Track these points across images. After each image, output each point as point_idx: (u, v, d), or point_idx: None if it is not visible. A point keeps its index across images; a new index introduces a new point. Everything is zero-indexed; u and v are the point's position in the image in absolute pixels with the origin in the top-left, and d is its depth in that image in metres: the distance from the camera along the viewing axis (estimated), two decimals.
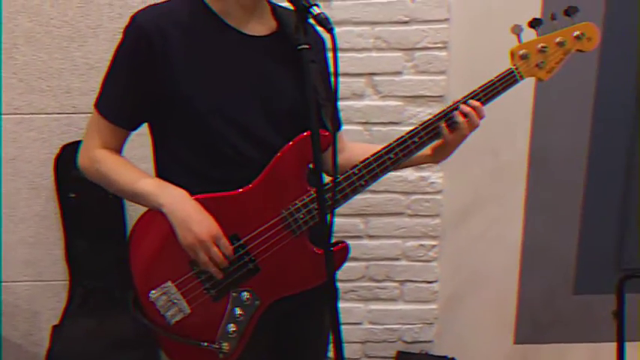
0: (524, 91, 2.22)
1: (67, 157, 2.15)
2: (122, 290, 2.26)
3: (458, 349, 2.41)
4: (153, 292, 1.27)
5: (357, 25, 2.13)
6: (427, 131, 1.34)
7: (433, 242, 2.35)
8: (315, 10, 1.04)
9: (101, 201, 2.17)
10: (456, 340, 2.44)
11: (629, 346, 2.21)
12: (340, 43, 2.12)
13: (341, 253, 1.37)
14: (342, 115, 2.19)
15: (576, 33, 1.40)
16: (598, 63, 2.21)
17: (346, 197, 1.33)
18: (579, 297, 2.42)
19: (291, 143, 1.29)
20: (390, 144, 1.33)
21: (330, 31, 1.03)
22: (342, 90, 2.16)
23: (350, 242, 2.26)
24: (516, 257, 2.40)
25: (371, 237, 2.34)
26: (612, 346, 2.21)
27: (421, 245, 2.35)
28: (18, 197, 2.23)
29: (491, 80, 1.37)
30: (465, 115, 1.34)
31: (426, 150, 1.40)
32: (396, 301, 2.41)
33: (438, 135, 1.35)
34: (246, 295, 1.31)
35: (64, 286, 2.29)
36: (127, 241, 1.28)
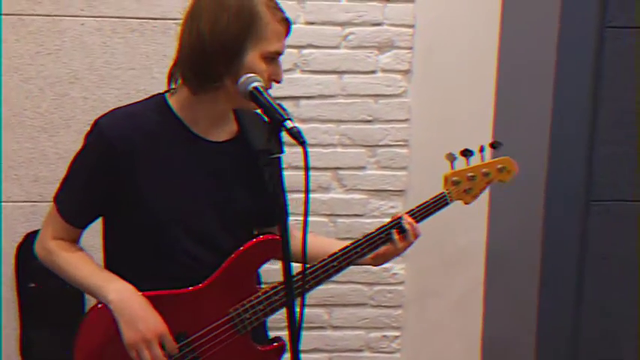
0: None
1: (29, 245, 2.12)
2: None
3: None
4: None
5: (324, 123, 2.24)
6: (368, 244, 1.46)
7: (396, 333, 2.37)
8: (289, 124, 1.10)
9: (61, 292, 2.13)
10: None
11: None
12: (307, 139, 2.20)
13: (277, 351, 1.43)
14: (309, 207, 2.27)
15: (499, 166, 1.60)
16: (547, 165, 2.34)
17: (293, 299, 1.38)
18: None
19: (244, 247, 1.36)
20: (335, 253, 1.42)
21: (302, 144, 1.08)
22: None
23: (313, 333, 2.33)
24: (477, 346, 2.44)
25: (334, 327, 2.36)
26: None
27: (384, 336, 2.37)
28: None
29: (426, 202, 1.52)
30: (401, 230, 1.46)
31: (368, 257, 1.50)
32: None
33: (377, 247, 1.47)
34: None
35: None
36: (75, 336, 1.30)
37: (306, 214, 1.10)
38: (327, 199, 2.28)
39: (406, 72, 2.24)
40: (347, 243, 1.45)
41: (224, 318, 1.33)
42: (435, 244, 2.33)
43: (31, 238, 2.13)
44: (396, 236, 1.45)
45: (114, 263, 1.37)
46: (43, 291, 2.13)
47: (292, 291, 1.26)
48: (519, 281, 2.41)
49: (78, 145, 1.34)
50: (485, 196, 2.33)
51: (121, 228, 1.35)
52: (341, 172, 2.28)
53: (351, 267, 2.15)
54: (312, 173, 2.24)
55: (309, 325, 2.32)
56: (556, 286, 2.41)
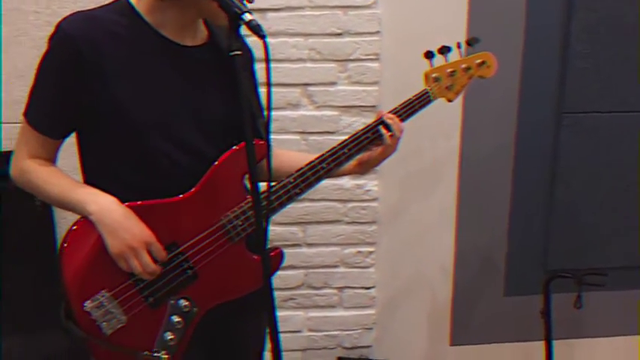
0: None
1: None
2: (52, 306, 2.19)
3: (396, 352, 2.46)
4: (87, 302, 1.24)
5: (292, 37, 2.17)
6: (356, 143, 1.43)
7: (370, 249, 2.40)
8: (247, 17, 1.05)
9: (31, 212, 2.10)
10: (394, 344, 2.49)
11: (557, 344, 2.32)
12: (275, 54, 2.15)
13: (275, 259, 1.40)
14: (279, 124, 2.23)
15: (479, 60, 1.59)
16: (521, 66, 2.32)
17: (282, 205, 1.37)
18: (509, 298, 2.52)
19: (227, 153, 1.32)
20: (323, 154, 1.40)
21: (262, 37, 1.04)
22: (278, 100, 2.18)
23: (288, 250, 2.34)
24: (450, 259, 2.48)
25: (309, 245, 2.37)
26: (542, 345, 2.32)
27: (359, 252, 2.40)
28: None
29: (410, 99, 1.50)
30: (387, 127, 1.43)
31: (352, 163, 1.48)
32: (335, 307, 2.44)
33: (365, 147, 1.44)
34: (183, 302, 1.30)
35: None
36: (58, 252, 1.25)
37: (269, 109, 1.10)
38: (298, 117, 2.24)
39: None
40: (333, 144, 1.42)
41: (215, 226, 1.30)
42: (407, 159, 2.32)
43: None
44: (383, 131, 1.43)
45: (94, 181, 1.31)
46: (10, 214, 2.09)
47: (271, 195, 1.26)
48: (492, 193, 2.43)
49: (33, 62, 1.27)
50: (457, 108, 2.32)
51: (98, 141, 1.29)
52: (311, 88, 2.22)
53: (325, 183, 2.17)
54: (280, 90, 2.19)
55: (284, 243, 2.33)
56: (527, 196, 2.44)
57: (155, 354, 1.26)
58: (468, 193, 2.42)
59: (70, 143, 1.36)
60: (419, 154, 2.34)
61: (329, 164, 1.39)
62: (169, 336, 1.28)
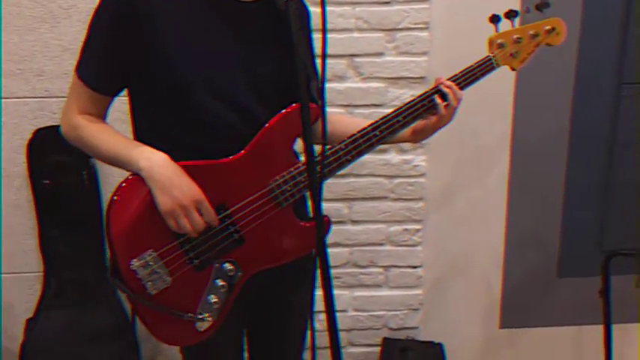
0: (507, 73, 2.20)
1: (41, 142, 2.08)
2: (99, 281, 2.20)
3: (444, 334, 2.38)
4: (134, 261, 1.21)
5: (338, 6, 2.10)
6: (411, 111, 1.36)
7: (417, 226, 2.32)
8: None
9: (76, 187, 2.11)
10: (441, 326, 2.41)
11: (614, 328, 2.20)
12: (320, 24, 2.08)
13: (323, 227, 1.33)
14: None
15: (547, 27, 1.48)
16: (578, 45, 2.20)
17: (332, 171, 1.32)
18: (564, 280, 2.41)
19: (279, 115, 1.27)
20: (377, 121, 1.34)
21: None
22: None
23: (334, 227, 2.28)
24: (501, 240, 2.38)
25: (354, 222, 2.31)
26: (597, 329, 2.21)
27: (405, 229, 2.32)
28: None
29: (471, 66, 1.42)
30: (444, 96, 1.36)
31: (407, 131, 1.41)
32: (380, 287, 2.38)
33: (420, 116, 1.37)
34: (229, 266, 1.26)
35: (38, 278, 2.21)
36: (107, 208, 1.22)
37: (323, 77, 1.07)
38: (344, 89, 2.17)
39: None
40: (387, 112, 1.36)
41: (264, 189, 1.26)
42: (458, 134, 2.23)
43: (41, 134, 2.08)
44: (438, 100, 1.35)
45: (144, 140, 1.28)
46: (58, 187, 2.10)
47: (324, 160, 1.21)
48: (546, 169, 2.32)
49: (82, 35, 1.26)
50: (511, 85, 2.22)
51: (147, 99, 1.27)
52: (357, 59, 2.15)
53: (371, 157, 2.10)
54: (327, 61, 2.12)
55: None
56: (583, 174, 2.32)
57: (199, 316, 1.23)
58: (521, 168, 2.32)
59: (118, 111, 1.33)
60: (470, 129, 2.25)
61: (382, 132, 1.33)
62: (213, 299, 1.25)
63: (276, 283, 1.38)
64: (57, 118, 2.09)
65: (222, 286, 1.26)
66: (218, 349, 1.41)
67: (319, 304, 1.23)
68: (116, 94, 1.30)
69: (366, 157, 2.22)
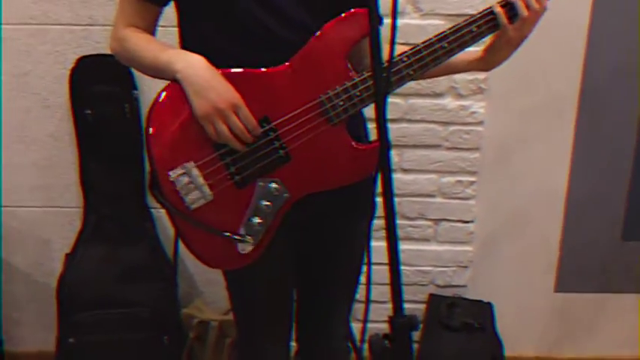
0: (580, 18, 2.03)
1: (84, 70, 2.01)
2: (139, 218, 2.14)
3: (493, 294, 2.24)
4: (173, 171, 1.13)
5: None
6: (486, 20, 1.18)
7: (471, 178, 2.18)
8: None
9: (119, 119, 2.04)
10: (491, 286, 2.27)
11: None
12: None
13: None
14: None
15: None
16: None
17: (391, 86, 1.18)
18: (628, 243, 2.24)
19: (332, 22, 1.15)
20: (444, 31, 1.18)
21: None
22: None
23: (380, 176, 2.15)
24: (561, 198, 2.22)
25: (405, 170, 2.18)
26: None
27: (458, 181, 2.18)
28: (29, 116, 2.10)
29: None
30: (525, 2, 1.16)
31: (478, 52, 1.25)
32: (429, 241, 2.25)
33: (497, 26, 1.18)
34: (274, 185, 1.16)
35: (77, 213, 2.17)
36: (146, 115, 1.15)
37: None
38: (401, 26, 2.02)
39: None
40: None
41: (312, 102, 1.15)
42: (523, 80, 2.07)
43: (85, 62, 2.01)
44: (521, 5, 1.14)
45: (190, 49, 1.21)
46: (100, 119, 2.03)
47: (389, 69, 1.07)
48: (615, 124, 2.14)
49: None
50: (581, 39, 2.03)
51: (194, 9, 1.19)
52: None
53: (425, 102, 1.94)
54: None
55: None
56: None
57: (240, 237, 1.14)
58: (588, 124, 2.14)
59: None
60: (536, 75, 2.08)
61: (450, 43, 1.17)
62: (256, 220, 1.16)
63: (328, 211, 1.27)
64: (101, 47, 2.01)
65: (267, 206, 1.16)
66: (265, 284, 1.33)
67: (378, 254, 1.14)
68: (164, 3, 1.23)
69: (420, 101, 2.12)
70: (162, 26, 1.29)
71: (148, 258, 2.12)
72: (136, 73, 1.92)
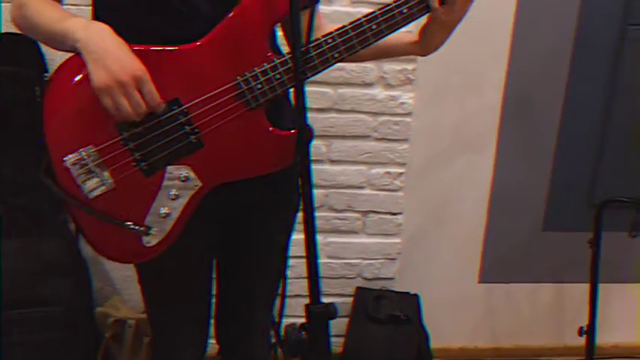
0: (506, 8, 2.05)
1: None
2: (51, 209, 2.01)
3: (420, 286, 2.24)
4: (69, 156, 1.04)
5: None
6: (417, 1, 1.11)
7: (400, 170, 2.17)
8: None
9: (28, 104, 1.90)
10: (418, 278, 2.27)
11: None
12: None
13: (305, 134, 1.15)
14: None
15: None
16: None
17: (314, 69, 1.11)
18: (549, 233, 2.28)
19: None
20: (373, 12, 1.10)
21: None
22: None
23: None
24: (486, 191, 2.24)
25: (333, 162, 2.14)
26: (579, 287, 2.10)
27: (387, 173, 2.17)
28: None
29: None
30: None
31: (413, 36, 1.20)
32: (357, 233, 2.22)
33: (427, 8, 1.11)
34: (183, 172, 1.08)
35: None
36: (42, 92, 1.04)
37: None
38: (330, 13, 1.96)
39: None
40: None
41: (228, 85, 1.07)
42: (449, 70, 2.07)
43: None
44: None
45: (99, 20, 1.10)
46: (7, 103, 1.88)
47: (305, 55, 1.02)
48: (539, 114, 2.18)
49: None
50: (509, 24, 2.05)
51: None
52: None
53: (355, 91, 1.89)
54: None
55: None
56: (579, 121, 2.18)
57: (143, 228, 1.06)
58: (512, 114, 2.17)
59: None
60: (462, 69, 2.08)
61: (379, 25, 1.09)
62: (163, 210, 1.08)
63: (247, 202, 1.21)
64: (8, 25, 1.87)
65: (176, 196, 1.08)
66: (179, 279, 1.25)
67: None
68: None
69: (349, 91, 2.09)
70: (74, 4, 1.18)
71: (62, 253, 1.99)
72: (47, 53, 1.80)
